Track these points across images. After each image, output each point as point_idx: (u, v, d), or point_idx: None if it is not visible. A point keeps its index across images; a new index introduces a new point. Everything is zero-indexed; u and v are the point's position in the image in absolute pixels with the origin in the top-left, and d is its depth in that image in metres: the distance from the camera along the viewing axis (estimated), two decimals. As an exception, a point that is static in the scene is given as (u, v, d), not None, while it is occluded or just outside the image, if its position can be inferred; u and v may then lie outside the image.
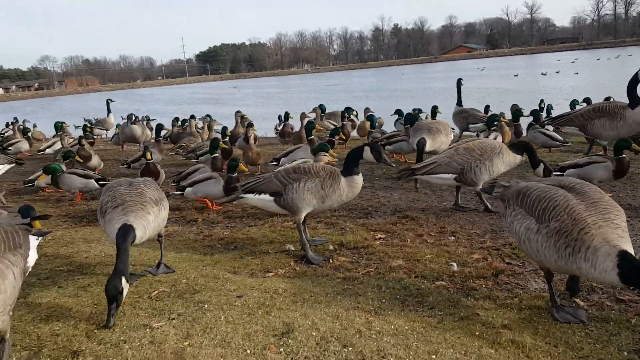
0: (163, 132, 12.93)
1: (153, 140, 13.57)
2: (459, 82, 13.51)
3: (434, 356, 3.27)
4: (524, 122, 11.38)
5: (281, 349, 3.39)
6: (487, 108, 12.75)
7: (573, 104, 12.35)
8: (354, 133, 13.79)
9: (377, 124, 12.62)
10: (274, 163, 9.36)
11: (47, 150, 13.91)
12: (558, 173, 6.51)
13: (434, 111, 12.47)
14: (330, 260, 5.14)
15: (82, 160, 9.75)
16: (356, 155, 5.24)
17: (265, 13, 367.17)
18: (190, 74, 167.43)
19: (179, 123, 16.17)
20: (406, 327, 3.65)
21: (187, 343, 3.48)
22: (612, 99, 12.04)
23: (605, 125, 8.37)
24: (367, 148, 5.23)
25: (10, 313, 3.17)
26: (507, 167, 6.44)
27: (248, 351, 3.38)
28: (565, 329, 3.60)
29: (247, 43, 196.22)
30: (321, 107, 14.35)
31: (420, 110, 13.43)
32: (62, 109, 56.75)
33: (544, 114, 12.08)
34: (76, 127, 21.50)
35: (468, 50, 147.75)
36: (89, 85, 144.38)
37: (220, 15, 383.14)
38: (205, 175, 7.25)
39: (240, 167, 7.14)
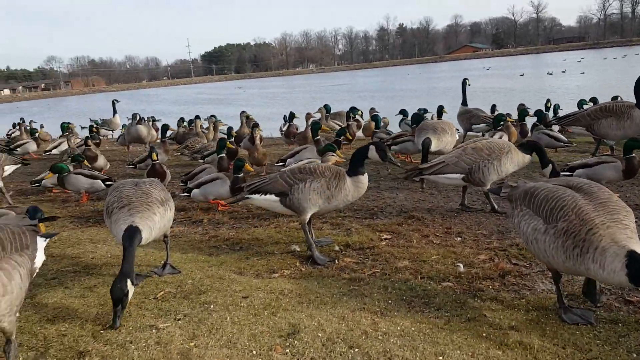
0: (169, 133, 12.97)
1: (159, 141, 13.60)
2: (464, 82, 13.46)
3: (440, 358, 3.26)
4: (529, 121, 11.33)
5: (287, 350, 3.39)
6: (493, 108, 12.70)
7: (581, 103, 12.27)
8: (359, 133, 13.77)
9: (382, 124, 12.59)
10: (280, 164, 9.34)
11: (54, 151, 13.96)
12: (567, 173, 6.46)
13: (440, 111, 12.43)
14: (336, 261, 5.13)
15: (89, 165, 9.78)
16: (362, 155, 5.22)
17: (270, 13, 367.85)
18: (195, 74, 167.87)
19: (185, 123, 16.20)
20: (413, 328, 3.63)
21: (193, 344, 3.48)
22: (619, 98, 11.97)
23: (612, 125, 8.31)
24: (372, 147, 5.21)
25: (17, 314, 3.17)
26: (515, 167, 6.39)
27: (254, 352, 3.37)
28: (573, 330, 3.57)
29: (252, 43, 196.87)
30: (326, 107, 14.34)
31: (425, 110, 13.39)
32: (69, 110, 57.01)
33: (550, 114, 12.02)
34: (82, 128, 21.56)
35: (474, 50, 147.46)
36: (95, 85, 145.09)
37: (226, 15, 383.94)
38: (211, 176, 7.25)
39: (246, 167, 7.14)
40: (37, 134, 15.96)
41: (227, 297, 4.23)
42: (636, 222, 3.54)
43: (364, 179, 5.27)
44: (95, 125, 16.97)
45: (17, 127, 18.16)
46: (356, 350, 3.35)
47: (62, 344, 3.51)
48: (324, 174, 5.19)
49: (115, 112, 19.22)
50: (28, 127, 18.05)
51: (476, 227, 6.09)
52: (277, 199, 5.28)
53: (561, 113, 11.84)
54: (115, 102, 19.31)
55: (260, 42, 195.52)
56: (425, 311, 3.96)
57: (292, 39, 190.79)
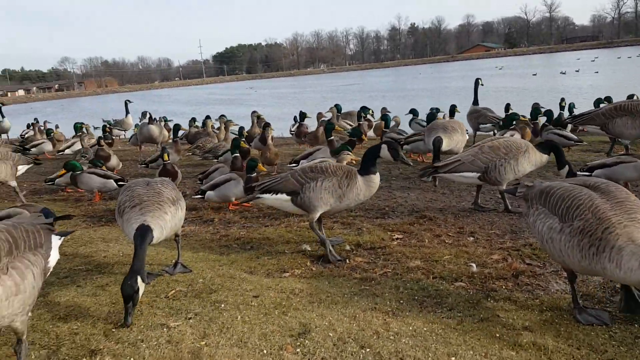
0: (180, 133, 13.02)
1: (170, 141, 13.67)
2: (476, 82, 13.37)
3: (453, 358, 3.22)
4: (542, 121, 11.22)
5: (298, 350, 3.37)
6: (507, 107, 12.58)
7: (597, 102, 12.12)
8: (370, 133, 13.71)
9: (393, 123, 12.52)
10: (293, 165, 9.32)
11: (67, 151, 14.09)
12: (586, 173, 6.37)
13: (453, 110, 12.36)
14: (347, 261, 5.10)
15: (107, 169, 9.85)
16: (373, 154, 5.19)
17: (281, 13, 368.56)
18: (207, 75, 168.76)
19: (196, 123, 16.26)
20: (425, 329, 3.60)
21: (203, 343, 3.48)
22: (635, 97, 11.82)
23: (627, 124, 8.20)
24: (384, 146, 5.18)
25: (30, 314, 3.18)
26: (533, 166, 6.31)
27: (265, 351, 3.36)
28: (588, 331, 3.52)
29: (264, 43, 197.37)
30: (337, 107, 14.31)
31: (437, 110, 13.31)
32: (82, 110, 57.53)
33: (565, 113, 11.90)
34: (95, 128, 21.74)
35: (486, 50, 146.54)
36: (108, 86, 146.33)
37: (237, 16, 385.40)
38: (224, 177, 7.24)
39: (259, 168, 7.13)
40: (52, 134, 16.12)
41: (237, 296, 4.23)
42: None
43: (376, 178, 5.24)
44: (108, 126, 17.11)
45: (32, 128, 18.36)
46: (367, 350, 3.33)
47: (74, 343, 3.53)
48: (336, 173, 5.17)
49: (127, 112, 19.36)
50: (42, 128, 18.23)
51: (489, 226, 6.03)
52: (289, 198, 5.27)
53: (576, 112, 11.71)
54: (127, 102, 19.45)
55: (271, 43, 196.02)
56: (438, 311, 3.93)
57: (303, 39, 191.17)
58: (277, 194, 5.31)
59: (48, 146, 15.09)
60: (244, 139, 10.27)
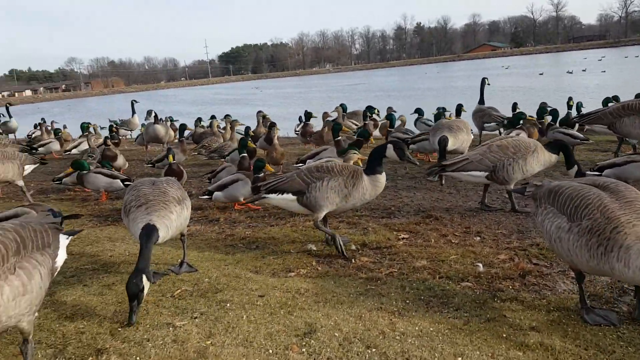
0: (186, 133, 13.05)
1: (176, 141, 13.70)
2: (483, 81, 13.32)
3: (459, 358, 3.21)
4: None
5: (303, 350, 3.36)
6: (514, 106, 12.52)
7: (606, 102, 12.03)
8: (376, 132, 13.68)
9: (399, 122, 12.48)
10: (299, 164, 9.31)
11: (74, 151, 14.15)
12: (596, 173, 6.33)
13: (459, 110, 12.32)
14: (353, 260, 5.09)
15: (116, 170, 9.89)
16: (379, 153, 5.18)
17: (287, 13, 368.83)
18: (212, 75, 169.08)
19: (202, 123, 16.29)
20: (431, 329, 3.58)
21: (209, 342, 3.48)
22: (643, 96, 11.72)
23: (635, 124, 8.13)
24: (390, 146, 5.17)
25: (37, 314, 3.18)
26: (541, 166, 6.27)
27: (270, 351, 3.36)
28: (596, 331, 3.49)
29: (269, 43, 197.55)
30: (343, 107, 14.29)
31: (444, 109, 13.27)
32: (88, 110, 57.81)
33: (573, 112, 11.83)
34: (101, 128, 21.84)
35: (492, 49, 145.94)
36: (114, 86, 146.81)
37: (243, 16, 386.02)
38: (231, 178, 7.22)
39: (267, 168, 7.10)
40: (60, 134, 16.20)
41: (243, 295, 4.23)
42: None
43: (382, 177, 5.22)
44: (114, 126, 17.18)
45: (39, 128, 18.47)
46: (373, 350, 3.32)
47: (80, 342, 3.54)
48: (342, 173, 5.16)
49: (134, 112, 19.42)
50: (49, 128, 18.32)
51: (496, 226, 6.00)
52: (294, 198, 5.26)
53: (584, 111, 11.64)
54: (134, 102, 19.51)
55: (277, 43, 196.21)
56: (444, 311, 3.91)
57: (308, 39, 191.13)
58: (283, 194, 5.30)
59: (55, 146, 15.17)
60: (250, 139, 10.27)
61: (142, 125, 18.58)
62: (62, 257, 3.50)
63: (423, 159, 10.72)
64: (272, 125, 11.16)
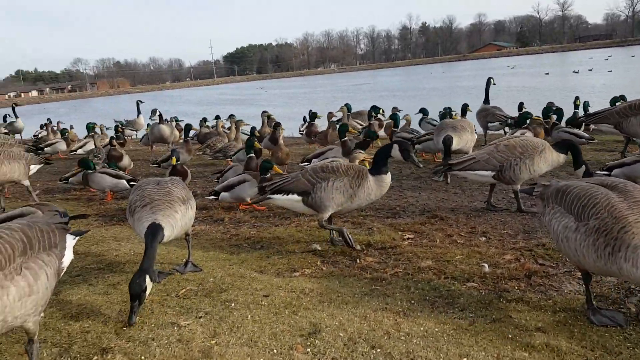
0: (191, 133, 13.07)
1: (181, 141, 13.73)
2: (488, 81, 13.27)
3: (465, 359, 3.19)
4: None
5: (308, 350, 3.36)
6: (520, 105, 12.47)
7: (613, 101, 11.97)
8: (381, 132, 13.65)
9: (404, 122, 12.44)
10: (305, 163, 9.32)
11: (79, 151, 14.20)
12: (605, 172, 6.29)
13: (464, 109, 12.28)
14: (358, 261, 5.08)
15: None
16: (384, 153, 5.17)
17: (292, 13, 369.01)
18: (217, 75, 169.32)
19: (207, 123, 16.32)
20: (436, 329, 3.57)
21: (214, 342, 3.48)
22: (650, 96, 11.64)
23: (642, 123, 8.07)
24: (395, 146, 5.15)
25: (42, 314, 3.18)
26: (549, 166, 6.22)
27: (275, 351, 3.35)
28: (602, 332, 3.47)
29: (274, 43, 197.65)
30: (347, 106, 14.28)
31: (450, 109, 13.23)
32: (94, 111, 58.02)
33: (580, 111, 11.76)
34: (107, 128, 21.93)
35: (498, 49, 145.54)
36: (120, 87, 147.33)
37: (248, 16, 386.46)
38: (238, 178, 7.21)
39: (274, 169, 6.96)
40: (67, 134, 16.28)
41: (248, 295, 4.23)
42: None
43: (387, 177, 5.21)
44: (120, 126, 17.25)
45: (45, 128, 18.55)
46: (378, 350, 3.31)
47: (86, 341, 3.55)
48: (347, 173, 5.16)
49: (139, 112, 19.48)
50: (55, 128, 18.41)
51: (501, 226, 5.97)
52: (300, 198, 5.26)
53: (591, 110, 11.58)
54: (139, 103, 19.57)
55: (281, 43, 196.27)
56: (449, 312, 3.89)
57: (313, 39, 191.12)
58: (288, 195, 5.30)
59: (62, 146, 15.24)
60: (257, 139, 10.27)
61: (148, 125, 18.64)
62: (68, 257, 3.49)
63: (428, 159, 10.69)
64: (277, 125, 11.16)
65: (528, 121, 10.16)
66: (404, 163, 6.71)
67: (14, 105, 21.26)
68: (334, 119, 13.85)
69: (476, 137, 9.18)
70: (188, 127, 12.53)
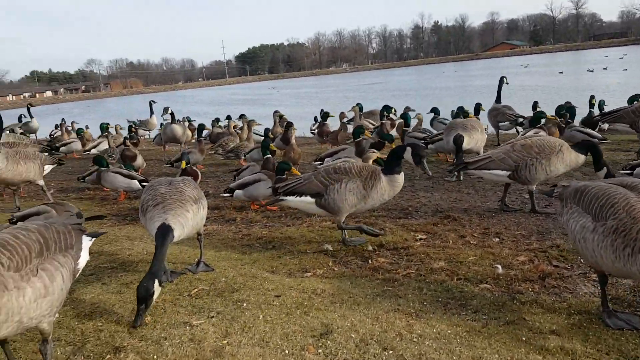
0: (204, 133, 13.12)
1: (194, 141, 13.79)
2: (501, 80, 13.18)
3: (478, 362, 3.16)
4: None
5: (320, 350, 3.35)
6: (535, 105, 12.35)
7: (631, 100, 11.80)
8: (393, 132, 13.58)
9: (416, 121, 12.37)
10: (318, 162, 9.31)
11: (93, 151, 14.32)
12: (627, 172, 6.19)
13: (478, 108, 12.20)
14: (370, 261, 5.06)
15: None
16: (398, 154, 5.15)
17: (303, 13, 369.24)
18: (229, 75, 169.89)
19: (220, 123, 16.38)
20: (449, 331, 3.54)
21: (226, 341, 3.48)
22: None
23: (658, 123, 7.96)
24: (409, 149, 5.12)
25: (57, 315, 3.19)
26: (567, 167, 6.13)
27: (286, 351, 3.35)
28: (618, 335, 3.42)
29: (286, 43, 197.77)
30: (359, 106, 14.24)
31: (463, 109, 13.14)
32: (107, 111, 58.52)
33: (595, 111, 11.62)
34: (121, 129, 22.08)
35: (511, 47, 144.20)
36: (133, 87, 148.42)
37: (259, 16, 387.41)
38: (253, 177, 7.22)
39: (293, 171, 6.87)
40: (82, 134, 16.44)
41: (259, 295, 4.23)
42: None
43: (400, 178, 5.19)
44: (134, 126, 17.38)
45: (59, 128, 18.75)
46: (390, 352, 3.29)
47: (99, 339, 3.57)
48: (360, 174, 5.14)
49: (152, 112, 19.61)
50: (70, 128, 18.59)
51: (515, 227, 5.92)
52: (313, 200, 5.26)
53: (606, 109, 11.44)
54: (152, 103, 19.70)
55: (293, 42, 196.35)
56: (462, 313, 3.86)
57: (325, 39, 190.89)
58: (301, 196, 5.30)
59: (77, 145, 15.40)
60: (272, 142, 10.27)
61: (161, 125, 18.74)
62: (84, 258, 3.49)
63: (441, 158, 10.63)
64: (290, 125, 11.16)
65: (543, 121, 10.05)
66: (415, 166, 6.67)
67: (29, 106, 21.52)
68: (345, 119, 13.82)
69: (486, 136, 9.11)
70: (201, 127, 12.59)
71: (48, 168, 8.39)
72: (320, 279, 4.70)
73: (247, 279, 4.61)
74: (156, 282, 3.70)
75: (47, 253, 3.03)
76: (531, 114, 11.23)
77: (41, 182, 8.10)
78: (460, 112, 11.88)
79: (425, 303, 4.05)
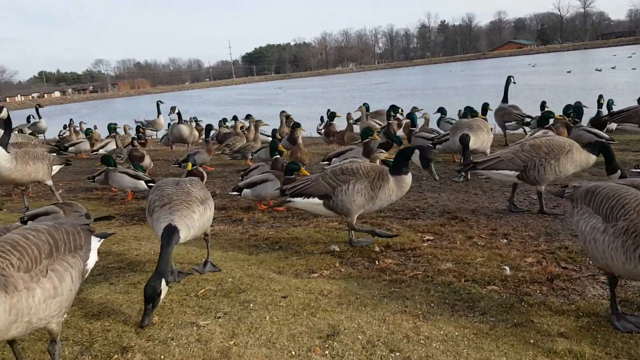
0: (212, 133, 13.15)
1: (201, 141, 13.83)
2: (508, 80, 13.11)
3: (485, 364, 3.14)
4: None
5: (326, 352, 3.34)
6: (543, 104, 12.29)
7: None
8: (399, 132, 13.55)
9: (423, 121, 12.33)
10: (325, 162, 9.32)
11: (101, 151, 14.39)
12: (639, 171, 6.13)
13: (485, 108, 12.15)
14: (377, 262, 5.05)
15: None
16: (405, 155, 5.14)
17: (310, 13, 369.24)
18: (236, 75, 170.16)
19: (227, 124, 16.42)
20: (456, 333, 3.53)
21: (232, 342, 3.49)
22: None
23: (668, 123, 7.90)
24: (417, 152, 5.10)
25: (65, 316, 3.20)
26: (576, 167, 6.07)
27: (293, 352, 3.35)
28: (627, 338, 3.39)
29: (292, 43, 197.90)
30: (366, 106, 14.22)
31: (470, 109, 13.09)
32: (115, 111, 58.81)
33: (604, 110, 11.55)
34: (129, 129, 22.16)
35: (518, 47, 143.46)
36: (140, 87, 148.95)
37: (266, 16, 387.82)
38: (262, 177, 7.23)
39: (302, 172, 6.85)
40: (90, 134, 16.54)
41: (266, 296, 4.23)
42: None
43: (408, 178, 5.18)
44: (141, 126, 17.45)
45: (67, 128, 18.87)
46: (397, 354, 3.28)
47: (106, 339, 3.58)
48: (368, 175, 5.13)
49: (159, 113, 19.67)
50: (78, 128, 18.70)
51: (523, 228, 5.89)
52: (320, 201, 5.26)
53: (615, 109, 11.36)
54: (159, 103, 19.76)
55: (300, 42, 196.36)
56: (470, 315, 3.84)
57: (331, 38, 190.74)
58: (308, 198, 5.30)
59: (86, 145, 15.49)
60: (280, 142, 10.27)
61: (168, 125, 18.79)
62: (93, 259, 3.51)
63: (448, 159, 10.59)
64: (296, 125, 11.16)
65: (551, 121, 9.99)
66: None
67: (37, 106, 21.65)
68: (352, 120, 13.82)
69: (492, 137, 9.08)
70: (209, 127, 12.61)
71: (56, 168, 8.44)
72: (327, 279, 4.69)
73: (254, 280, 4.61)
74: (163, 282, 3.72)
75: (56, 254, 3.04)
76: (539, 114, 11.18)
77: (50, 182, 8.15)
78: (468, 112, 11.83)
79: (432, 305, 4.03)
